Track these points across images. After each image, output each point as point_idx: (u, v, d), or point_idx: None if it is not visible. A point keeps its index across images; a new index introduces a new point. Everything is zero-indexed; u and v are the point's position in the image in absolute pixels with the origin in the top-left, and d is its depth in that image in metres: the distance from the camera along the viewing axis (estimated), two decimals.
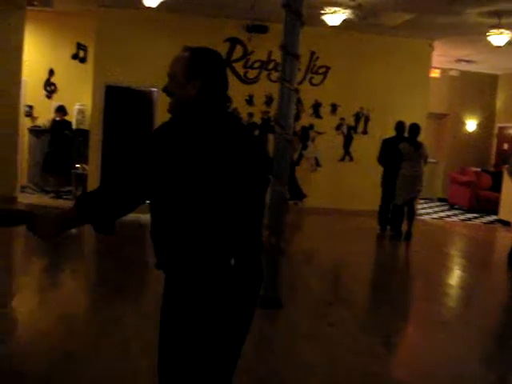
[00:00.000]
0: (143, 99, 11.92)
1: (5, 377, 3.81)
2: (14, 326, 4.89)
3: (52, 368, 4.00)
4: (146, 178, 2.22)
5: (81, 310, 5.55)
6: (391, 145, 10.01)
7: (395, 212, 10.16)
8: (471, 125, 16.10)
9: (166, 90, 2.43)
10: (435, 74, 14.62)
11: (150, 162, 2.21)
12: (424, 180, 10.13)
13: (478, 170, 15.02)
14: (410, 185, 9.79)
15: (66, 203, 11.29)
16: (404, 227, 9.99)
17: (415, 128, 9.87)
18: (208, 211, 2.25)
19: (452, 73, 15.39)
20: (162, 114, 11.47)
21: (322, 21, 10.39)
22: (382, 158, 10.20)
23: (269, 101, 12.02)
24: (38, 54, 12.08)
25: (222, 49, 11.78)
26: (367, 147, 12.18)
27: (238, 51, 12.06)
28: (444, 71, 15.28)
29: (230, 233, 2.31)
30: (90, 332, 4.84)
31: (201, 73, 2.36)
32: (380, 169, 10.31)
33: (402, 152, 9.73)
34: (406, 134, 10.09)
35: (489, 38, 10.26)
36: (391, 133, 10.39)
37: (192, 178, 2.21)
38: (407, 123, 10.12)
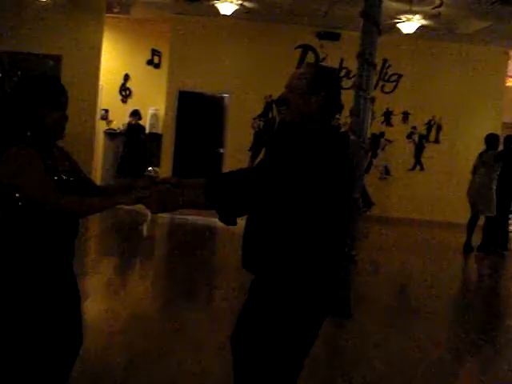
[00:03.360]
0: (215, 105, 12.11)
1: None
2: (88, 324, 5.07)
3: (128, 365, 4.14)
4: (284, 187, 2.30)
5: (154, 313, 5.69)
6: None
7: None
8: None
9: (282, 100, 2.52)
10: (511, 83, 14.25)
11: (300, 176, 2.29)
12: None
13: None
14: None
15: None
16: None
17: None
18: (326, 223, 2.41)
19: None
20: (232, 119, 11.63)
21: (396, 28, 10.31)
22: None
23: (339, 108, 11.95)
24: (114, 59, 12.44)
25: (294, 55, 11.87)
26: (439, 156, 11.99)
27: (310, 58, 12.08)
28: None
29: (337, 239, 2.49)
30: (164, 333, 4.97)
31: (325, 89, 2.47)
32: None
33: None
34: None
35: None
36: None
37: (323, 190, 2.35)
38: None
